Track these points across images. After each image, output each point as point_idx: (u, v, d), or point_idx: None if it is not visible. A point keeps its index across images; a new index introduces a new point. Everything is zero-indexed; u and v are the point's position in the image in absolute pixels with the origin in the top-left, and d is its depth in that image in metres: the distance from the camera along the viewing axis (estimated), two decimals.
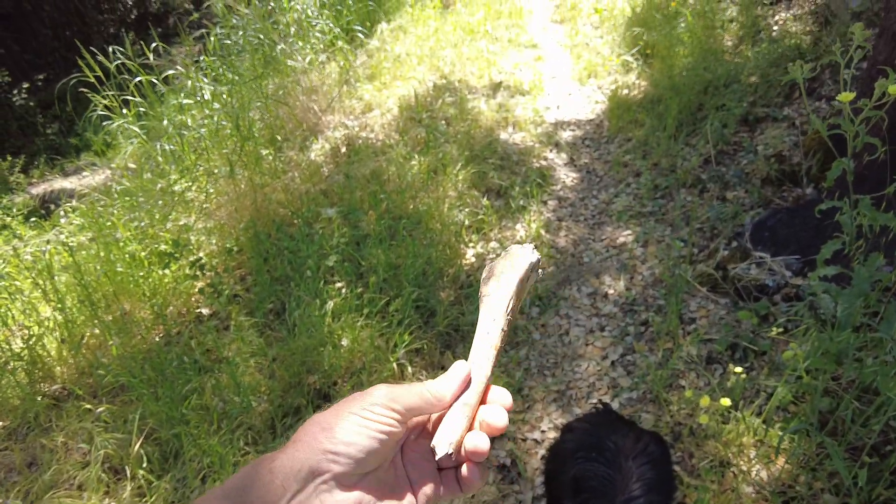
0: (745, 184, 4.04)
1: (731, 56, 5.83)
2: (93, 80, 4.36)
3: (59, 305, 3.65)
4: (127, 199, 4.79)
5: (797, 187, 3.83)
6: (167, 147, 4.85)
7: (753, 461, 2.30)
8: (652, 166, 4.72)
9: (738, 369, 2.52)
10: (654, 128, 5.18)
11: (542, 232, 4.24)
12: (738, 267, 3.30)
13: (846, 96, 1.85)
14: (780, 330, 2.72)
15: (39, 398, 3.30)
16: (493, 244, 4.22)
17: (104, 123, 4.57)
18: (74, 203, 4.68)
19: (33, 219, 5.00)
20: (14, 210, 5.75)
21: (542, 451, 2.69)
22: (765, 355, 2.81)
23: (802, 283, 2.99)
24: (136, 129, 4.69)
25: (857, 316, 2.18)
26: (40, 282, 3.67)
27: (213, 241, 4.49)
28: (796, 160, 3.95)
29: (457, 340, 3.39)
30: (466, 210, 4.44)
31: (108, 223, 4.41)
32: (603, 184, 4.83)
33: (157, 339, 3.66)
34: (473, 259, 4.08)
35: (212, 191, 4.95)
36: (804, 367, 2.30)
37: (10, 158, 9.40)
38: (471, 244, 4.24)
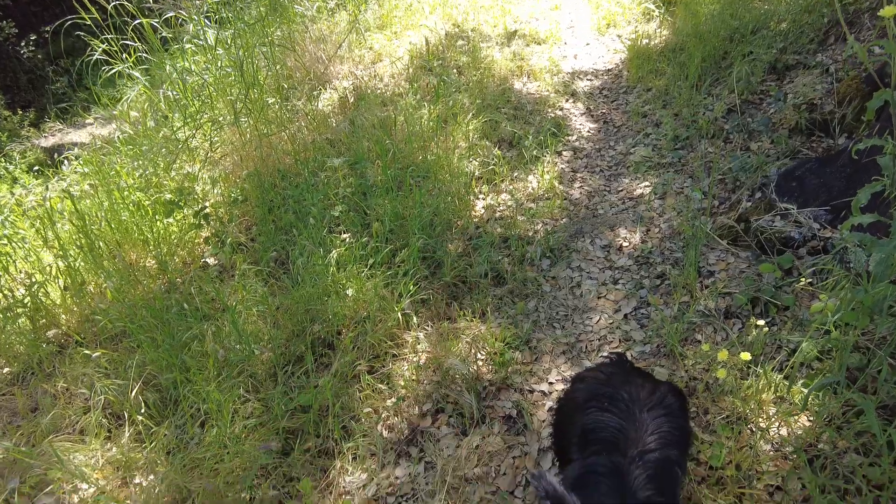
0: (772, 133, 3.82)
1: (759, 2, 5.50)
2: (88, 21, 4.19)
3: (61, 252, 3.59)
4: (130, 147, 4.68)
5: (828, 137, 3.60)
6: (170, 94, 4.70)
7: (773, 418, 2.18)
8: (672, 116, 4.49)
9: (761, 322, 2.38)
10: (675, 77, 4.93)
11: (556, 183, 4.07)
12: (762, 219, 3.12)
13: (889, 10, 1.64)
14: (808, 281, 2.56)
15: (44, 345, 3.27)
16: (503, 196, 4.07)
17: (103, 69, 4.42)
18: (77, 151, 4.58)
19: (37, 168, 4.92)
20: (17, 158, 5.68)
21: (549, 403, 2.60)
22: (788, 310, 2.67)
23: (831, 236, 2.82)
24: (137, 74, 4.54)
25: (895, 268, 2.03)
26: (41, 229, 3.60)
27: (218, 191, 4.39)
28: (828, 108, 3.71)
29: (464, 292, 3.28)
30: (477, 160, 4.28)
31: (112, 171, 4.32)
32: (620, 134, 4.62)
33: (162, 287, 3.60)
34: (483, 211, 3.94)
35: (216, 139, 4.82)
36: (833, 322, 2.16)
37: (20, 112, 9.31)
38: (481, 195, 4.09)
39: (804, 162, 3.31)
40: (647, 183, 3.92)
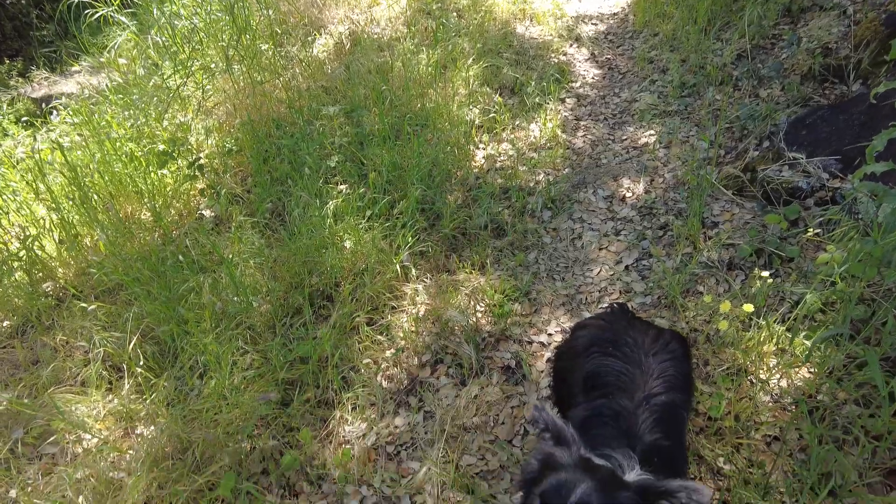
0: (783, 80, 3.68)
1: None
2: None
3: (54, 205, 3.53)
4: (121, 96, 4.54)
5: (842, 83, 3.47)
6: (159, 40, 4.53)
7: (773, 370, 2.17)
8: (680, 62, 4.33)
9: (765, 274, 2.34)
10: (683, 21, 4.72)
11: (559, 132, 3.96)
12: (769, 168, 3.04)
13: None
14: (815, 232, 2.51)
15: (41, 298, 3.26)
16: (504, 145, 3.97)
17: (87, 13, 4.23)
18: (65, 101, 4.45)
19: (26, 119, 4.79)
20: (5, 108, 5.53)
21: (548, 354, 2.60)
22: (792, 262, 2.62)
23: (840, 186, 2.74)
24: (124, 19, 4.35)
25: None
26: (31, 181, 3.53)
27: (212, 141, 4.28)
28: (844, 53, 3.56)
29: (463, 244, 3.23)
30: (477, 108, 4.15)
31: (103, 122, 4.20)
32: (626, 81, 4.47)
33: (158, 239, 3.55)
34: (483, 161, 3.85)
35: (209, 88, 4.68)
36: (839, 274, 2.12)
37: (7, 62, 9.03)
38: (481, 145, 3.99)
39: (815, 109, 3.19)
40: (652, 131, 3.81)
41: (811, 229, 2.48)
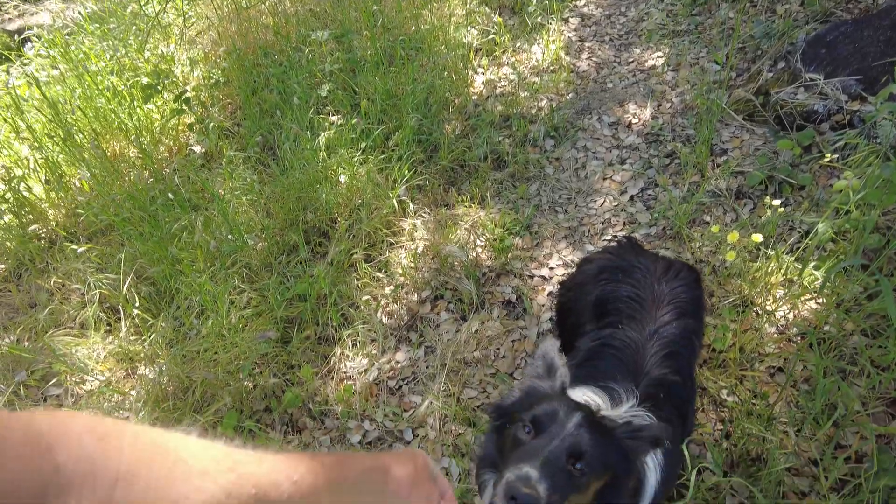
0: None
1: None
2: None
3: (37, 144, 3.40)
4: (97, 25, 4.29)
5: None
6: None
7: (780, 301, 2.13)
8: None
9: (776, 202, 2.25)
10: None
11: (562, 54, 3.75)
12: (783, 91, 2.88)
13: None
14: (831, 157, 2.39)
15: (34, 241, 3.19)
16: (504, 69, 3.77)
17: None
18: (37, 31, 4.20)
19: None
20: None
21: (549, 288, 2.55)
22: (803, 190, 2.53)
23: (859, 109, 2.60)
24: None
25: None
26: (10, 118, 3.38)
27: (198, 73, 4.08)
28: None
29: (462, 177, 3.13)
30: (475, 30, 3.92)
31: (80, 54, 3.98)
32: None
33: (148, 177, 3.45)
34: (482, 87, 3.67)
35: (191, 14, 4.42)
36: (854, 202, 2.03)
37: None
38: (480, 69, 3.79)
39: (837, 25, 2.98)
40: (660, 53, 3.60)
41: (828, 154, 2.37)
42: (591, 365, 1.54)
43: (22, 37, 4.29)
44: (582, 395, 1.31)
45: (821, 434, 1.75)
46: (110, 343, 2.53)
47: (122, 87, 3.77)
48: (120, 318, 2.61)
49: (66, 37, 4.07)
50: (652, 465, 1.26)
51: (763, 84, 3.01)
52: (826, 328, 1.99)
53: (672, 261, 1.74)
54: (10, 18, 7.74)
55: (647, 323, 1.50)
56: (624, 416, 1.26)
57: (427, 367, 2.37)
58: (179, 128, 3.81)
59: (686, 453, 1.49)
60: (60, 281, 2.88)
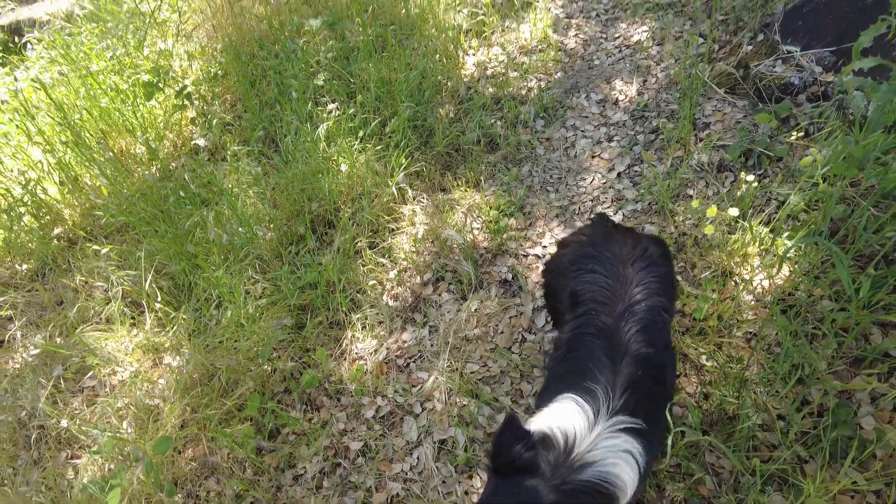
0: None
1: None
2: None
3: (49, 148, 3.54)
4: (94, 24, 4.37)
5: None
6: None
7: (756, 270, 2.29)
8: None
9: (750, 178, 2.39)
10: None
11: (550, 32, 3.83)
12: (762, 64, 2.98)
13: None
14: (801, 134, 2.53)
15: (54, 241, 3.37)
16: (494, 50, 3.85)
17: None
18: (37, 34, 4.29)
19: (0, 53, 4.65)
20: None
21: (542, 266, 2.72)
22: (780, 161, 2.66)
23: (833, 80, 2.71)
24: None
25: (891, 115, 1.98)
26: (21, 123, 3.52)
27: (197, 67, 4.18)
28: None
29: (457, 161, 3.26)
30: (464, 11, 3.99)
31: (81, 54, 4.08)
32: None
33: (156, 173, 3.60)
34: (473, 69, 3.76)
35: (185, 9, 4.48)
36: (821, 174, 2.17)
37: None
38: (471, 51, 3.88)
39: None
40: (645, 27, 3.68)
41: (794, 133, 2.49)
42: (573, 357, 1.67)
43: (23, 40, 4.37)
44: (557, 421, 1.45)
45: (787, 391, 1.94)
46: (136, 336, 2.73)
47: (125, 85, 3.88)
48: (143, 312, 2.80)
49: (67, 37, 4.16)
50: (628, 467, 1.39)
51: (743, 57, 3.11)
52: (797, 294, 2.16)
53: (639, 238, 1.88)
54: (2, 13, 7.75)
55: (618, 305, 1.65)
56: (597, 448, 1.39)
57: (432, 346, 2.57)
58: (182, 122, 3.94)
59: (669, 417, 1.66)
60: (84, 279, 3.07)
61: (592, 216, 2.72)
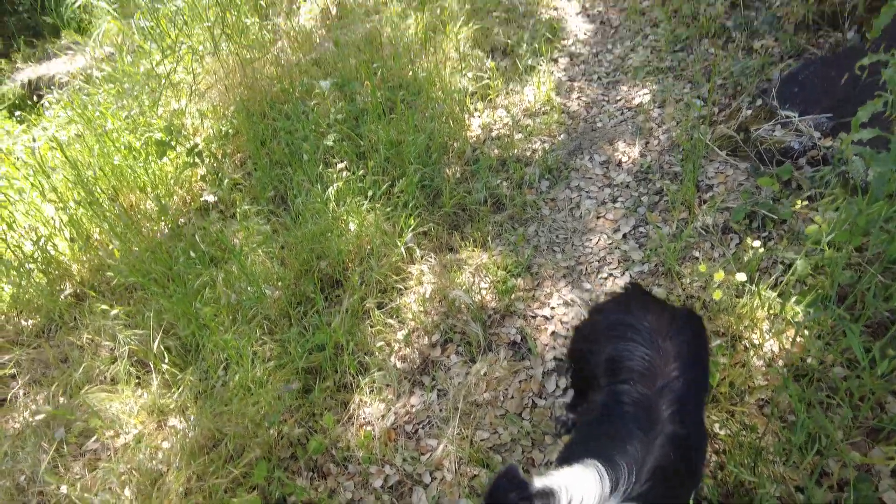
0: (776, 31, 3.64)
1: None
2: None
3: (62, 205, 3.60)
4: (111, 85, 4.52)
5: (836, 31, 3.43)
6: (143, 24, 4.45)
7: (766, 335, 2.29)
8: (671, 14, 4.25)
9: (756, 244, 2.42)
10: None
11: (553, 95, 3.95)
12: (762, 128, 3.07)
13: None
14: (805, 203, 2.57)
15: (61, 297, 3.37)
16: (499, 112, 3.97)
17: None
18: (57, 95, 4.43)
19: (18, 112, 4.78)
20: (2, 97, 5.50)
21: (551, 328, 2.72)
22: (785, 224, 2.70)
23: (832, 145, 2.78)
24: (104, 3, 4.27)
25: (892, 183, 2.03)
26: (35, 181, 3.58)
27: (208, 125, 4.29)
28: None
29: (464, 220, 3.31)
30: (470, 74, 4.12)
31: (96, 114, 4.20)
32: (618, 36, 4.40)
33: (166, 229, 3.63)
34: (479, 130, 3.86)
35: (199, 70, 4.64)
36: (827, 241, 2.20)
37: None
38: (476, 113, 3.99)
39: (808, 64, 3.18)
40: (646, 90, 3.80)
41: (799, 201, 2.54)
42: (607, 422, 1.66)
43: (42, 100, 4.50)
44: (570, 482, 1.41)
45: (805, 463, 1.91)
46: (141, 397, 2.70)
47: (138, 143, 3.98)
48: (149, 372, 2.78)
49: (84, 97, 4.28)
50: None
51: (743, 121, 3.20)
52: (809, 360, 2.15)
53: (675, 311, 1.88)
54: (19, 70, 7.99)
55: (657, 378, 1.64)
56: None
57: (441, 411, 2.54)
58: (193, 179, 4.01)
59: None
60: (90, 337, 3.06)
61: (627, 284, 2.74)
